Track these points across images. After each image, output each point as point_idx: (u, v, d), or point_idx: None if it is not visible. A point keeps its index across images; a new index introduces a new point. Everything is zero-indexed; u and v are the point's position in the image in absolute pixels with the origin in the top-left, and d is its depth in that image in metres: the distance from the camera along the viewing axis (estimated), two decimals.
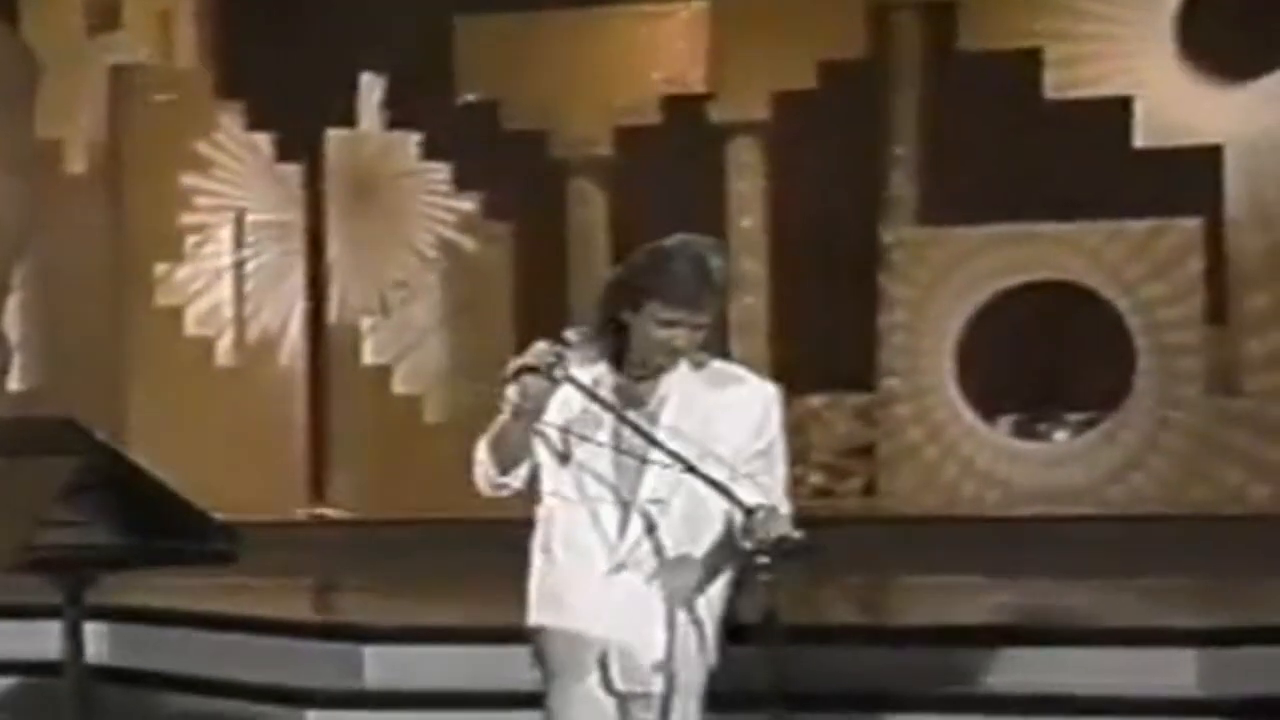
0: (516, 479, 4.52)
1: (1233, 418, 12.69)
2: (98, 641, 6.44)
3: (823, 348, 12.99)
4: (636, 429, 4.41)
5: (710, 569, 4.49)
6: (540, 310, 13.52)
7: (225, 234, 13.52)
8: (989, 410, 13.03)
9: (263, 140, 13.56)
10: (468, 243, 13.82)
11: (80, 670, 5.11)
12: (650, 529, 4.46)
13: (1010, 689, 7.02)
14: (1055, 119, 12.98)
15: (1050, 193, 12.97)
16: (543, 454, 4.51)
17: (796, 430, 13.52)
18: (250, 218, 13.59)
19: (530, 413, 4.40)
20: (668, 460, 4.37)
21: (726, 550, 4.44)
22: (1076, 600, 9.29)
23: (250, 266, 13.60)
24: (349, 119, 13.84)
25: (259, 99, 13.37)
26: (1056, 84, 13.11)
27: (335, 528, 12.62)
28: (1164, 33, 13.07)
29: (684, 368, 4.48)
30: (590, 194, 13.76)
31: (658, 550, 4.47)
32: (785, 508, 4.44)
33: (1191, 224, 12.74)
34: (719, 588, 4.52)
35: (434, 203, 13.84)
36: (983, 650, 7.23)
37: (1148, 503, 12.48)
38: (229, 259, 13.55)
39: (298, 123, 13.37)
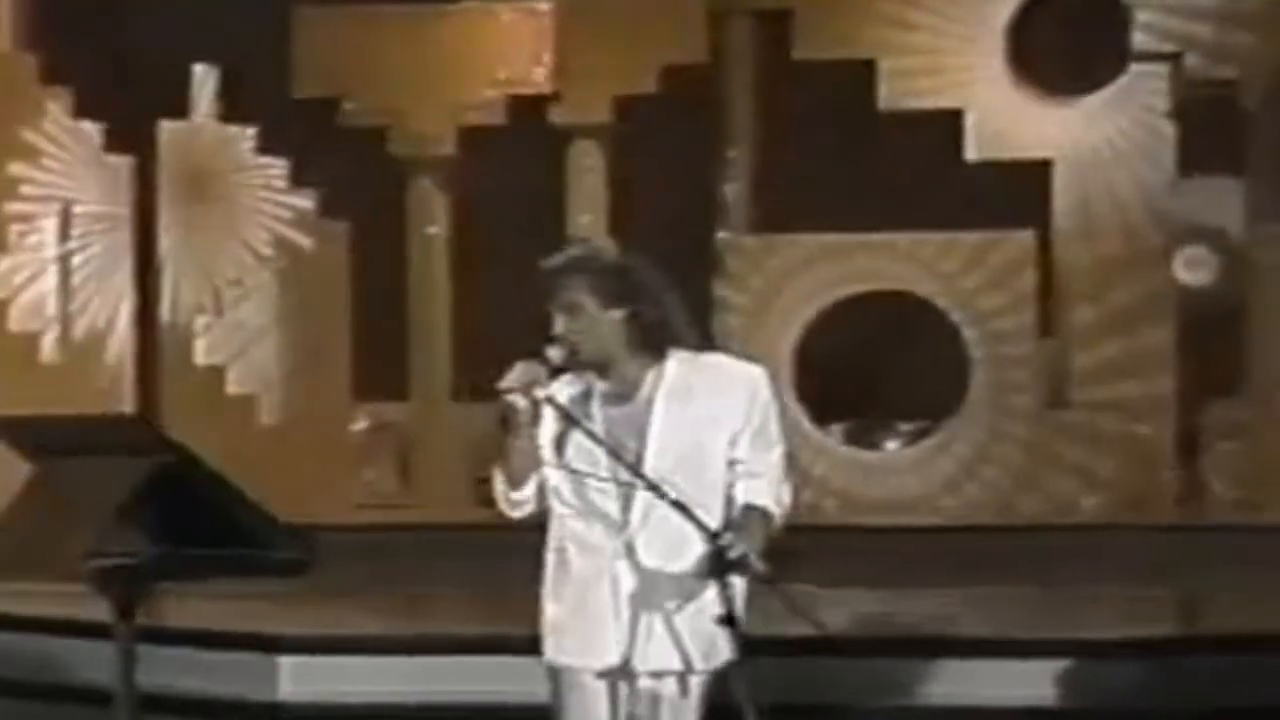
0: (530, 493, 4.63)
1: (1063, 429, 12.91)
2: None
3: None
4: (612, 452, 4.53)
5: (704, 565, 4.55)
6: (378, 311, 13.45)
7: (51, 225, 13.15)
8: (823, 419, 13.12)
9: (92, 129, 13.25)
10: (304, 241, 13.58)
11: (132, 696, 4.76)
12: (652, 510, 4.55)
13: (850, 700, 7.10)
14: (889, 130, 13.10)
15: (885, 203, 13.10)
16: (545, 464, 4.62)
17: None
18: (78, 209, 13.22)
19: (525, 428, 4.52)
20: (664, 454, 4.54)
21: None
22: (913, 609, 9.42)
23: (78, 260, 13.24)
24: (181, 110, 13.54)
25: (87, 86, 13.04)
26: (890, 95, 13.21)
27: None
28: (994, 48, 13.25)
29: (668, 367, 4.62)
30: (431, 193, 13.58)
31: (663, 532, 4.56)
32: (785, 493, 4.65)
33: (1024, 237, 12.94)
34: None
35: (270, 199, 13.56)
36: (818, 660, 7.29)
37: (981, 513, 12.66)
38: (55, 251, 13.20)
39: (128, 112, 13.07)
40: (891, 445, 13.23)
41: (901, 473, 13.00)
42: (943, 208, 12.94)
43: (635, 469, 4.51)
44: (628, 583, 4.57)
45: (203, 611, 8.12)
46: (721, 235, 13.41)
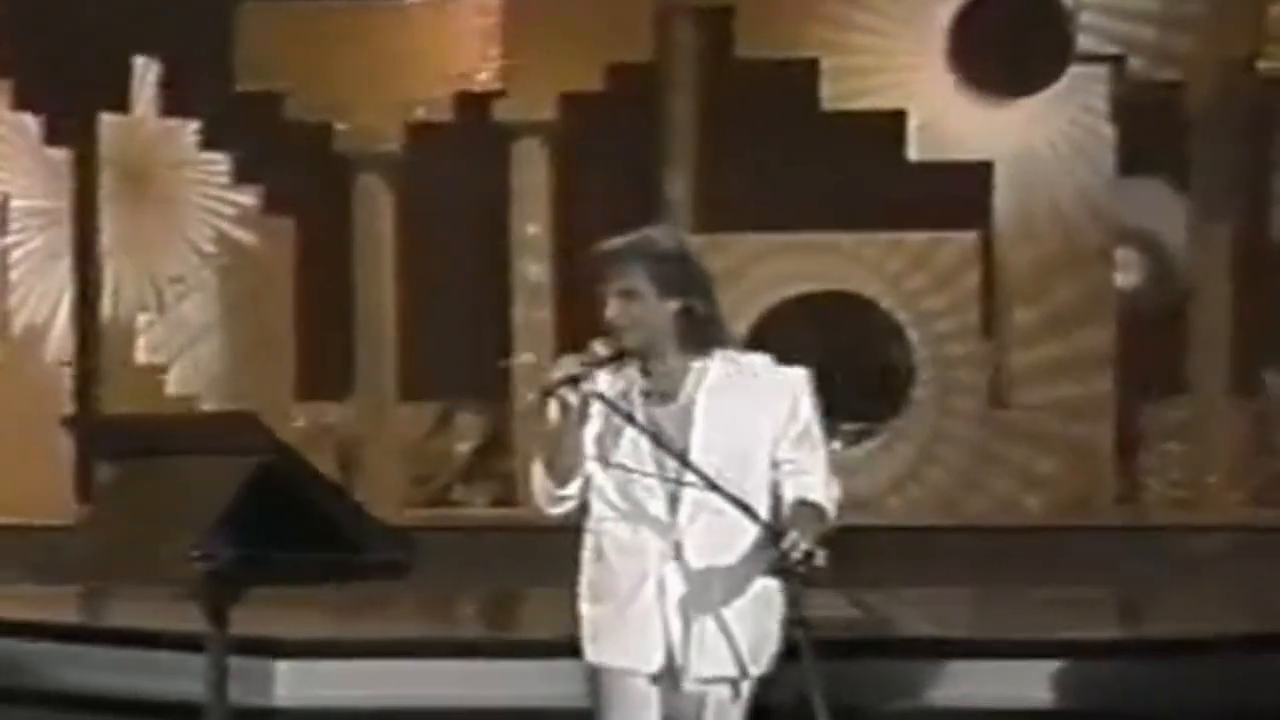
0: (575, 490, 4.53)
1: (1006, 429, 12.96)
2: None
3: None
4: (659, 444, 4.44)
5: (754, 565, 4.50)
6: (323, 310, 13.34)
7: None
8: None
9: (32, 122, 13.07)
10: (247, 238, 13.46)
11: (225, 708, 4.58)
12: (702, 508, 4.48)
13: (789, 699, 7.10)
14: (832, 129, 13.11)
15: (829, 203, 13.12)
16: (588, 461, 4.53)
17: None
18: (16, 203, 13.08)
19: (572, 424, 4.43)
20: (710, 451, 4.45)
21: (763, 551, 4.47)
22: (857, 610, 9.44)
23: (16, 255, 13.10)
24: (123, 103, 13.39)
25: (27, 77, 12.89)
26: (833, 95, 13.21)
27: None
28: (936, 49, 13.27)
29: (711, 365, 4.55)
30: (377, 190, 13.46)
31: (713, 532, 4.49)
32: (834, 489, 4.62)
33: (968, 238, 12.99)
34: (764, 590, 4.52)
35: (213, 195, 13.42)
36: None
37: (925, 513, 12.70)
38: None
39: (68, 104, 12.92)
40: (836, 446, 13.23)
41: (847, 473, 12.94)
42: (887, 208, 12.97)
43: (691, 464, 4.43)
44: (675, 585, 4.49)
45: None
46: None
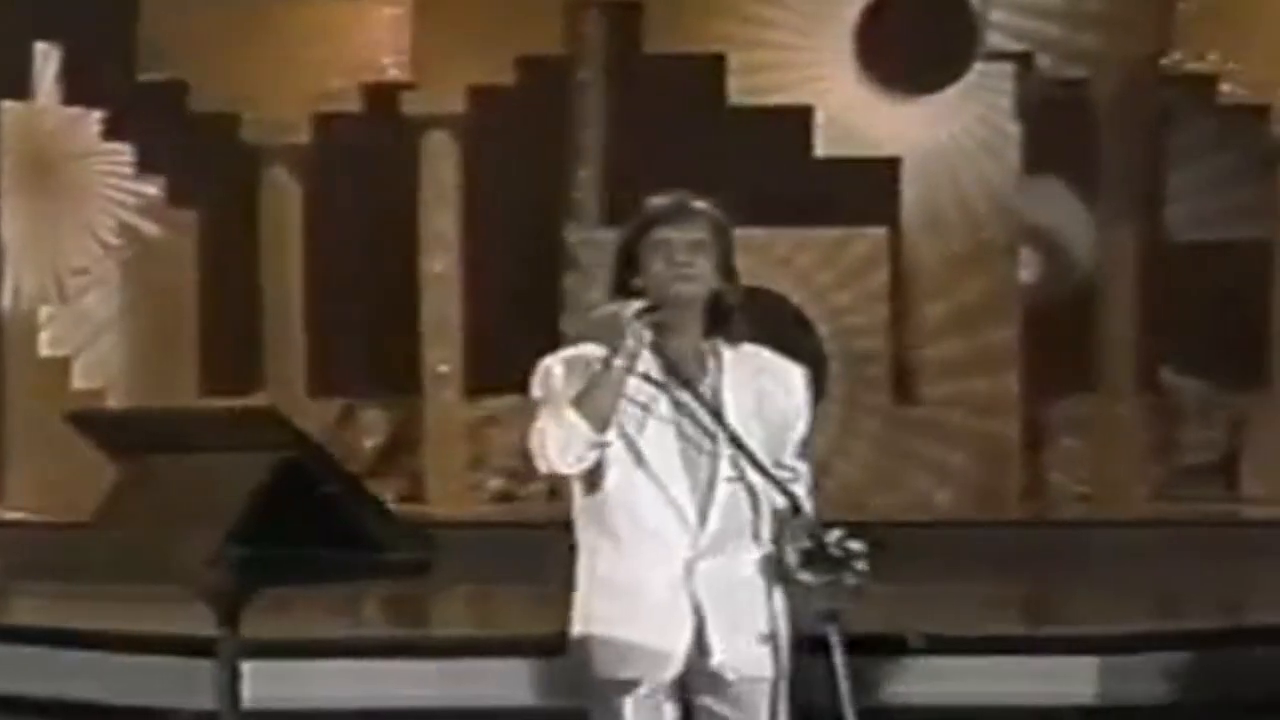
0: (611, 438, 4.23)
1: (914, 425, 13.00)
2: None
3: (508, 350, 12.89)
4: (703, 403, 4.23)
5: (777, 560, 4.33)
6: (229, 303, 13.19)
7: None
8: None
9: None
10: (152, 229, 13.25)
11: (237, 714, 4.38)
12: (736, 496, 4.30)
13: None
14: (741, 125, 13.11)
15: (738, 198, 13.06)
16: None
17: (472, 436, 13.52)
18: None
19: (630, 360, 4.23)
20: (734, 447, 4.24)
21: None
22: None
23: None
24: (23, 91, 13.16)
25: None
26: (740, 90, 13.21)
27: (14, 529, 11.98)
28: (843, 45, 13.29)
29: (726, 353, 4.38)
30: (285, 182, 13.27)
31: (746, 523, 4.32)
32: (808, 505, 4.39)
33: (877, 233, 13.02)
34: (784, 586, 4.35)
35: (116, 185, 13.21)
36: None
37: (837, 509, 12.65)
38: None
39: None
40: None
41: None
42: (795, 204, 12.98)
43: (742, 443, 4.22)
44: (699, 583, 4.28)
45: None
46: (574, 228, 13.33)
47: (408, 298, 13.13)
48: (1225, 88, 12.76)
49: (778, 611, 4.37)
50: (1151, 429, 13.08)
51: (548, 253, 13.17)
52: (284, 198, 13.31)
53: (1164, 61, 12.84)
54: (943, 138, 13.21)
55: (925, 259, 13.19)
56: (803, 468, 4.49)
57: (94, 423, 4.69)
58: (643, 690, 4.30)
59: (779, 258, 13.00)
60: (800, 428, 4.47)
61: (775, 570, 4.31)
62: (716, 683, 4.35)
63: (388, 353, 12.69)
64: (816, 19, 13.34)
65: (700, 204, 4.54)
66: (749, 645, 4.33)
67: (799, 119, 13.15)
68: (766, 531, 4.36)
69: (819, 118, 13.18)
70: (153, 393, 12.78)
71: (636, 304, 4.26)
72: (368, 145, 13.08)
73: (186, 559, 4.27)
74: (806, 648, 4.36)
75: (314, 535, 4.36)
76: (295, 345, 13.27)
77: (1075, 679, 7.77)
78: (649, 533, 4.29)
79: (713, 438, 4.29)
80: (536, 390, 4.37)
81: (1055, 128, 13.04)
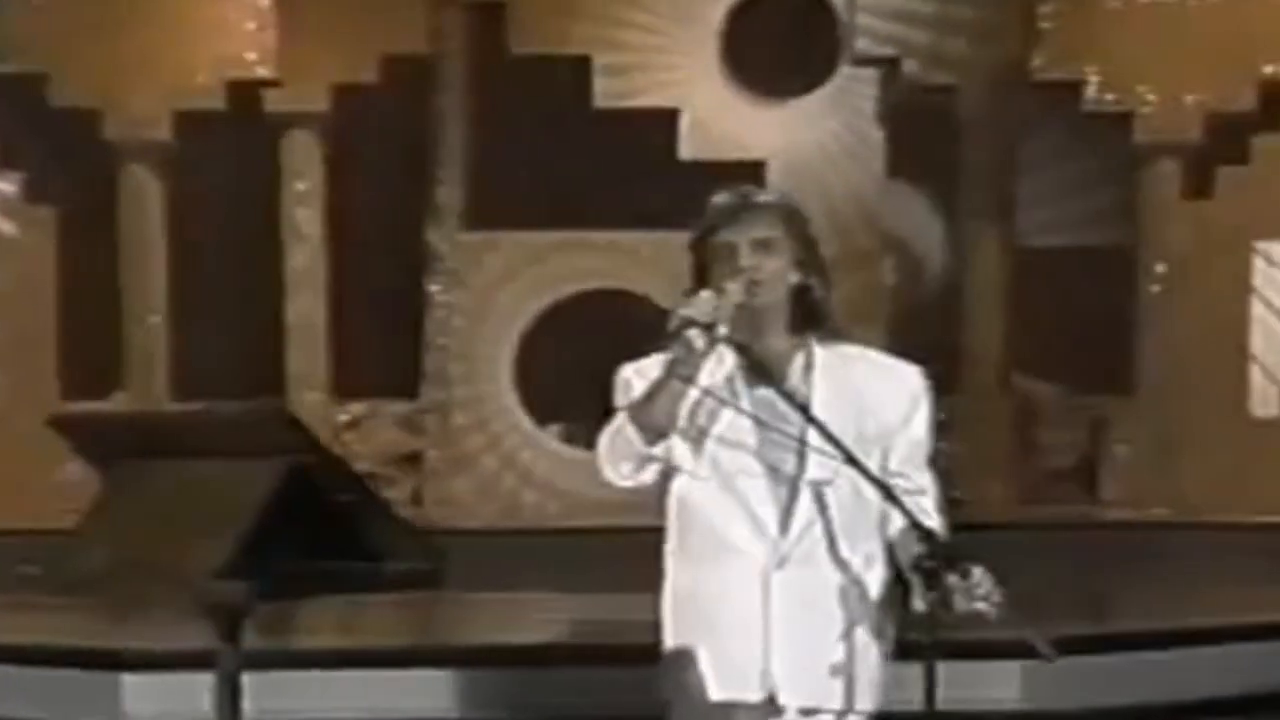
0: (662, 453, 3.94)
1: None
2: None
3: (371, 353, 12.82)
4: (791, 403, 3.88)
5: (870, 568, 4.00)
6: (89, 303, 12.97)
7: None
8: (545, 418, 13.04)
9: None
10: (8, 227, 12.99)
11: None
12: (820, 511, 3.95)
13: (598, 710, 7.04)
14: (605, 127, 13.08)
15: (603, 201, 13.08)
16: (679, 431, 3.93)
17: (336, 439, 13.32)
18: None
19: (686, 372, 3.90)
20: (827, 446, 3.86)
21: (885, 549, 3.99)
22: (650, 614, 9.37)
23: None
24: None
25: None
26: (605, 93, 13.18)
27: None
28: (709, 48, 13.30)
29: (817, 351, 4.05)
30: (145, 180, 13.05)
31: (829, 540, 3.96)
32: (938, 517, 4.08)
33: None
34: (882, 591, 4.00)
35: None
36: (562, 671, 7.18)
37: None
38: None
39: None
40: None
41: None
42: (661, 206, 12.95)
43: (838, 440, 3.86)
44: (780, 601, 3.96)
45: None
46: (437, 231, 13.24)
47: (270, 298, 12.98)
48: (1089, 94, 12.88)
49: (859, 643, 4.02)
50: (1016, 432, 13.16)
51: (412, 253, 13.08)
52: (145, 195, 13.09)
53: (1032, 68, 12.94)
54: (808, 141, 13.23)
55: None
56: (925, 480, 4.13)
57: (78, 427, 4.41)
58: (719, 712, 4.02)
59: (644, 260, 12.97)
60: (914, 433, 4.11)
61: (891, 596, 4.02)
62: (769, 710, 4.04)
63: (250, 353, 12.53)
64: (682, 22, 13.34)
65: (765, 197, 4.19)
66: (813, 673, 4.00)
67: (664, 121, 13.12)
68: (865, 550, 4.05)
69: (684, 120, 13.15)
70: (9, 396, 12.55)
71: (690, 310, 4.01)
72: (230, 142, 12.91)
73: (191, 571, 3.97)
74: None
75: (324, 546, 4.10)
76: (157, 346, 13.07)
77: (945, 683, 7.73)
78: (726, 543, 4.02)
79: (801, 441, 3.99)
80: (618, 400, 4.14)
81: (920, 133, 13.10)
